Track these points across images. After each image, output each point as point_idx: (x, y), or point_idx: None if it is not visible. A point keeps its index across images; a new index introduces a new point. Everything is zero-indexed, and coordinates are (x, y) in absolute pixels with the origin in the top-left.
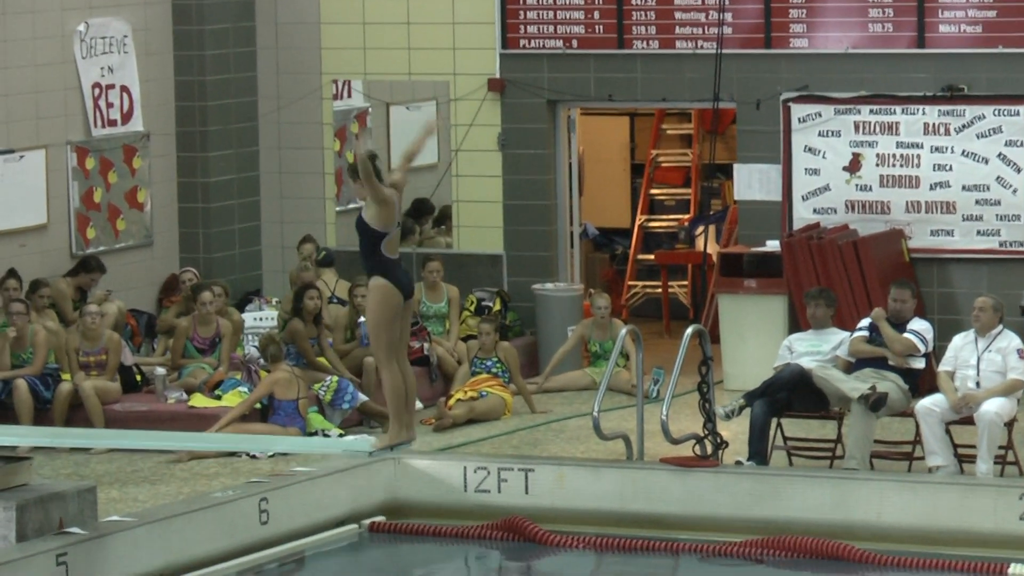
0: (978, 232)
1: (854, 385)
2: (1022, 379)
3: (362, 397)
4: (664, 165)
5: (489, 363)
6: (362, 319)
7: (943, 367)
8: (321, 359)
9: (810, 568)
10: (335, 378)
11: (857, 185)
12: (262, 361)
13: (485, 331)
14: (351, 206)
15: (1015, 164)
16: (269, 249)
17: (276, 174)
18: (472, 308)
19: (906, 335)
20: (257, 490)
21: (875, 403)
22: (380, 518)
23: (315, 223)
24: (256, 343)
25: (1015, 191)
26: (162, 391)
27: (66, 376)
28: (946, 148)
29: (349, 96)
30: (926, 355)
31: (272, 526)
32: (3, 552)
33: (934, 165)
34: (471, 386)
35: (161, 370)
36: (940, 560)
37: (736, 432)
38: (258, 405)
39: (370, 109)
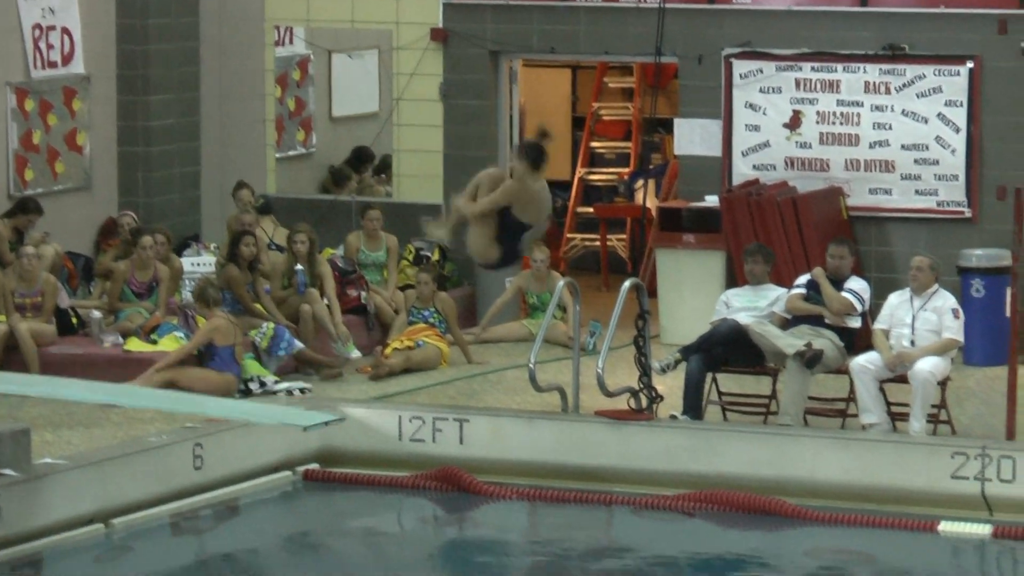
0: (916, 191)
1: (790, 342)
2: (957, 339)
3: (298, 344)
4: (605, 119)
5: (426, 313)
6: (299, 266)
7: (878, 325)
8: (257, 305)
9: (742, 523)
10: (271, 325)
11: (797, 142)
12: (199, 306)
13: (423, 280)
14: (291, 153)
15: (954, 124)
16: (208, 194)
17: (217, 120)
18: (411, 258)
19: (844, 294)
20: (192, 436)
21: (810, 360)
22: (314, 466)
23: (256, 170)
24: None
25: (954, 151)
26: (98, 335)
27: (1, 318)
28: (886, 107)
29: (291, 43)
30: (862, 314)
31: (206, 472)
32: None
33: (874, 124)
34: (408, 335)
35: (97, 313)
36: (872, 517)
37: (671, 386)
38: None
39: (312, 56)
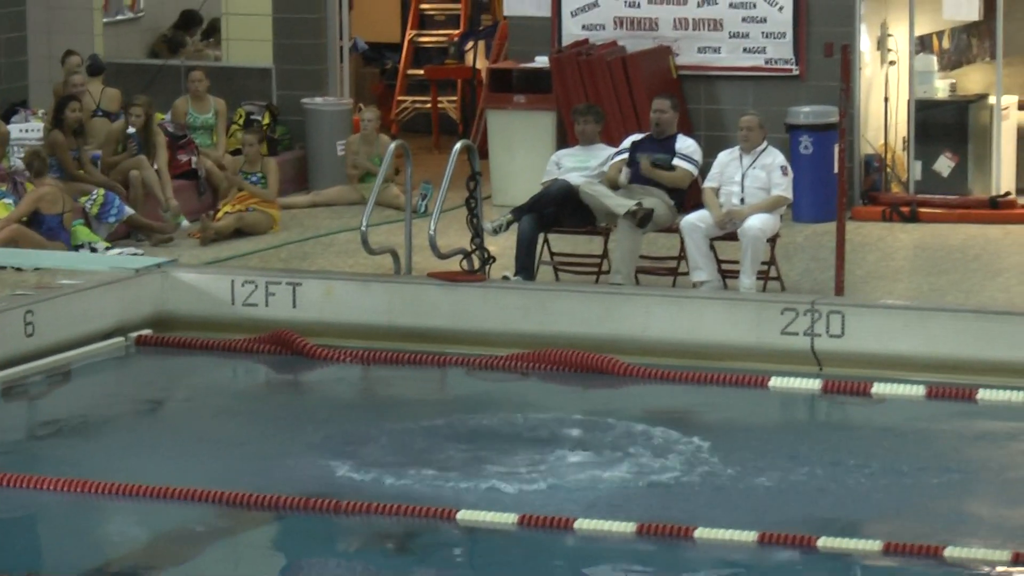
0: (744, 49)
1: (620, 201)
2: (786, 195)
3: (128, 210)
4: None
5: (254, 178)
6: (132, 129)
7: (708, 183)
8: (82, 171)
9: (576, 381)
10: (101, 191)
11: (626, 2)
12: (27, 174)
13: (248, 142)
14: (119, 17)
15: None
16: (35, 60)
17: None
18: (241, 122)
19: (677, 161)
20: (23, 302)
21: (641, 219)
22: (147, 331)
23: (83, 34)
24: (21, 155)
25: (781, 8)
26: None
27: None
28: None
29: None
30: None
31: (38, 338)
32: None
33: None
34: (238, 201)
35: None
36: (704, 373)
37: (503, 247)
38: (23, 219)
39: None
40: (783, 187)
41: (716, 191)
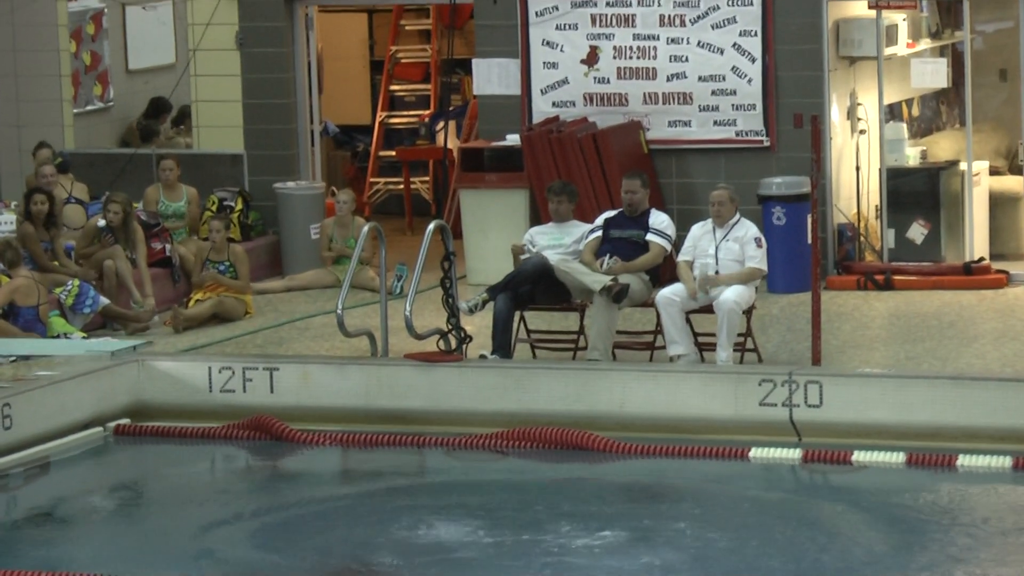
0: (715, 122)
1: (596, 277)
2: (761, 267)
3: (104, 300)
4: (403, 61)
5: (221, 267)
6: (101, 222)
7: (682, 257)
8: (55, 263)
9: (555, 458)
10: (76, 281)
11: (595, 78)
12: (1, 266)
13: (215, 228)
14: (89, 108)
15: (750, 54)
16: (6, 152)
17: (11, 76)
18: (214, 208)
19: (650, 238)
20: (0, 395)
21: (617, 294)
22: (125, 421)
23: (52, 126)
24: None
25: (750, 81)
26: None
27: None
28: (682, 39)
29: None
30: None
31: (16, 431)
32: None
33: (670, 56)
34: (210, 289)
35: None
36: (683, 446)
37: (480, 326)
38: None
39: (106, 10)
40: (758, 259)
41: (690, 264)
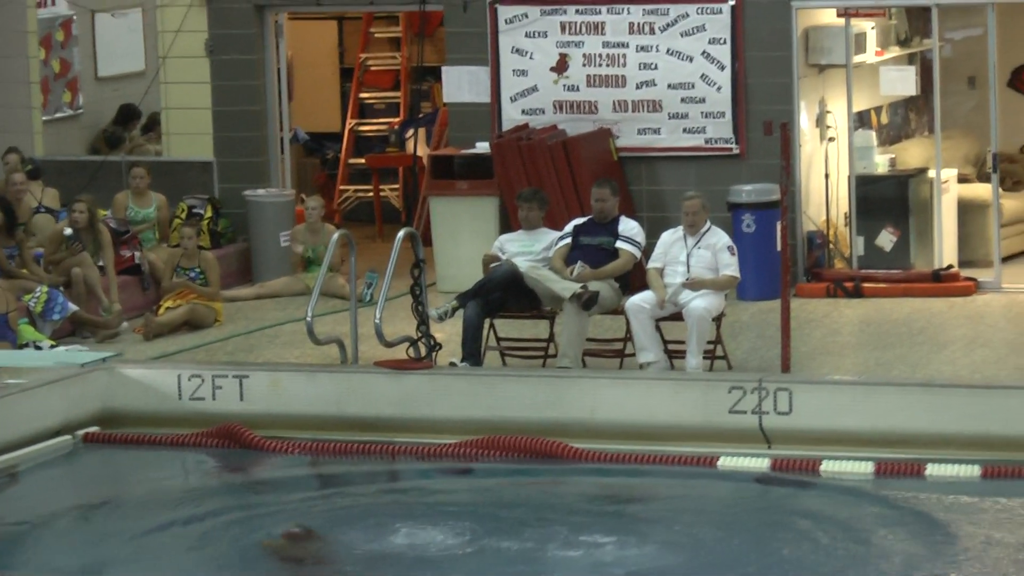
0: (684, 130)
1: (565, 285)
2: (736, 275)
3: (72, 307)
4: (373, 69)
5: (192, 273)
6: (68, 230)
7: (653, 264)
8: (24, 270)
9: (525, 466)
10: (45, 288)
11: (565, 85)
12: None
13: (187, 235)
14: (58, 115)
15: (719, 62)
16: None
17: None
18: (184, 215)
19: (620, 245)
20: None
21: (587, 302)
22: (94, 428)
23: (22, 132)
24: None
25: (719, 88)
26: None
27: None
28: (651, 47)
29: (54, 4)
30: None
31: None
32: None
33: (640, 64)
34: (180, 297)
35: None
36: (652, 455)
37: (450, 334)
38: None
39: (75, 17)
40: (732, 267)
41: (660, 271)
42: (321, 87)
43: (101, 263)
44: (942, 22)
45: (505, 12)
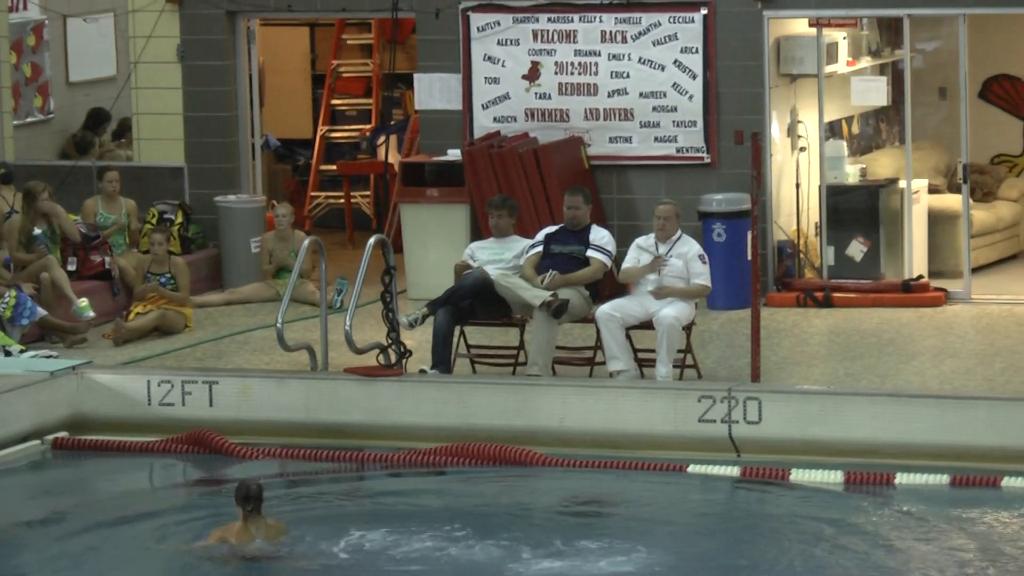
0: (656, 139)
1: (536, 293)
2: (707, 284)
3: (41, 311)
4: (345, 75)
5: (163, 278)
6: (37, 230)
7: (627, 264)
8: None
9: (494, 474)
10: (13, 293)
11: (536, 93)
12: None
13: (156, 241)
14: (29, 119)
15: (691, 71)
16: None
17: None
18: (154, 221)
19: (591, 254)
20: None
21: (556, 310)
22: (63, 433)
23: None
24: None
25: (691, 97)
26: None
27: None
28: (623, 56)
29: (25, 8)
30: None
31: None
32: None
33: (611, 73)
34: (150, 302)
35: None
36: (622, 462)
37: (420, 341)
38: None
39: (47, 21)
40: (704, 276)
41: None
42: (293, 93)
43: (71, 267)
44: (913, 33)
45: (477, 20)
